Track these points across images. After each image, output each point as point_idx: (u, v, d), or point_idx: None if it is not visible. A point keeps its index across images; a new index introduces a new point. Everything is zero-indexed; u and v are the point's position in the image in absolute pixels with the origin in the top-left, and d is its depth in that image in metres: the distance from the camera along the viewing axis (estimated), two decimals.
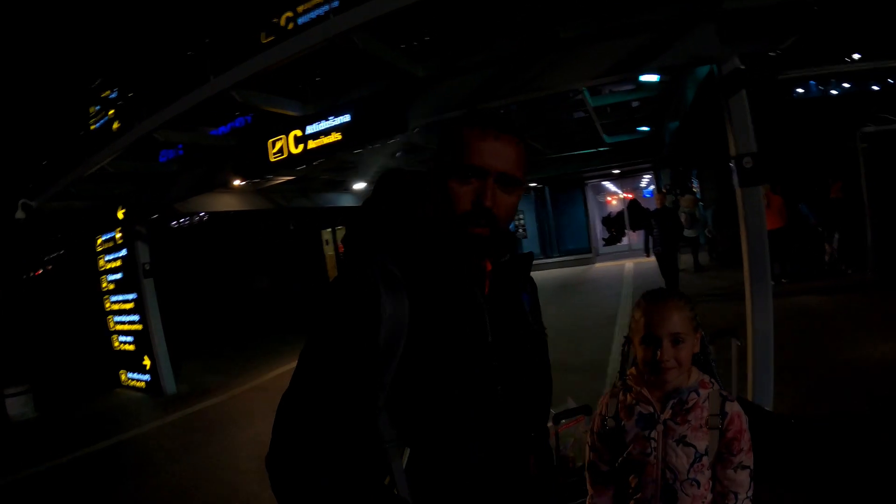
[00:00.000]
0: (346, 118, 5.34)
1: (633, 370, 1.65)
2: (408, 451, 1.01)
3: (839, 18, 4.18)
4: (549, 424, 2.58)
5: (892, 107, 8.96)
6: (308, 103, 6.05)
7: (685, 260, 12.44)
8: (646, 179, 18.30)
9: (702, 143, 11.55)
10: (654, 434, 1.51)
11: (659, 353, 1.48)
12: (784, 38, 4.29)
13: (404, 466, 1.01)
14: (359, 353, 0.97)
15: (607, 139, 11.02)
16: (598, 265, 16.17)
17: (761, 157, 4.11)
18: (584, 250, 17.56)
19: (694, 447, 1.48)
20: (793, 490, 3.08)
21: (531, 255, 1.27)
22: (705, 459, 1.49)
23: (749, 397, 4.06)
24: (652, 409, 1.53)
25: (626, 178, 18.17)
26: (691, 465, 1.48)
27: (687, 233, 11.86)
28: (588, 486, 1.67)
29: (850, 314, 6.68)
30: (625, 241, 18.14)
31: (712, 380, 1.57)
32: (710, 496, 1.51)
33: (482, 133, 1.07)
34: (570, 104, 8.86)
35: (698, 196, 14.03)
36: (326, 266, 20.25)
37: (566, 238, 18.27)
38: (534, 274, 1.29)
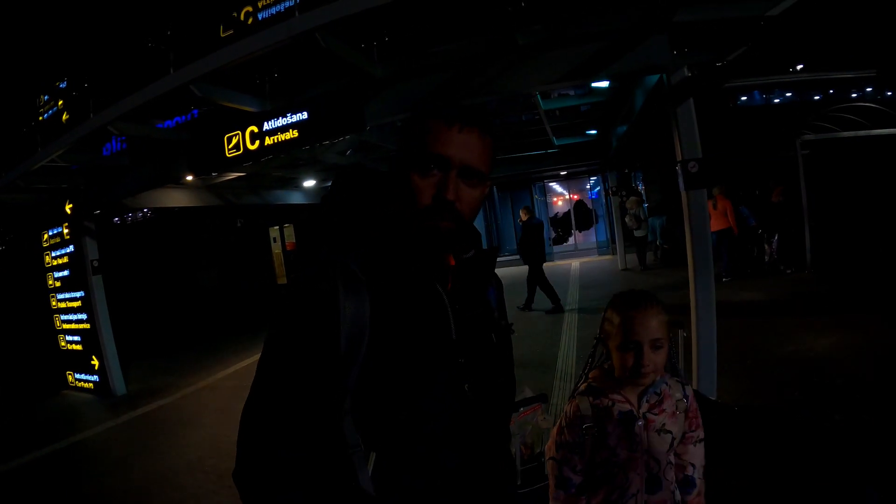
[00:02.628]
0: (304, 115, 5.32)
1: (595, 372, 1.68)
2: (373, 457, 0.97)
3: (785, 33, 4.42)
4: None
5: (832, 116, 9.47)
6: (265, 99, 5.99)
7: (630, 259, 12.90)
8: (592, 181, 18.75)
9: (648, 148, 11.97)
10: (637, 430, 1.55)
11: (643, 359, 1.50)
12: (732, 49, 4.53)
13: (370, 472, 0.96)
14: (320, 357, 0.94)
15: (556, 141, 11.23)
16: (544, 264, 16.49)
17: (706, 162, 4.32)
18: None
19: (671, 433, 1.58)
20: (736, 474, 3.28)
21: (496, 251, 1.24)
22: (675, 442, 1.60)
23: (694, 387, 4.28)
24: (629, 407, 1.57)
25: (573, 180, 18.55)
26: (669, 450, 1.59)
27: (636, 233, 12.32)
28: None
29: (788, 311, 7.07)
30: (571, 240, 18.60)
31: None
32: (678, 490, 1.65)
33: (447, 124, 1.03)
34: (521, 107, 9.01)
35: (643, 197, 14.53)
36: (274, 264, 19.97)
37: (514, 238, 18.51)
38: None
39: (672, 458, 1.61)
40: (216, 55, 4.70)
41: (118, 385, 7.79)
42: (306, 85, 5.95)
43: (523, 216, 9.69)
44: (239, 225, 20.33)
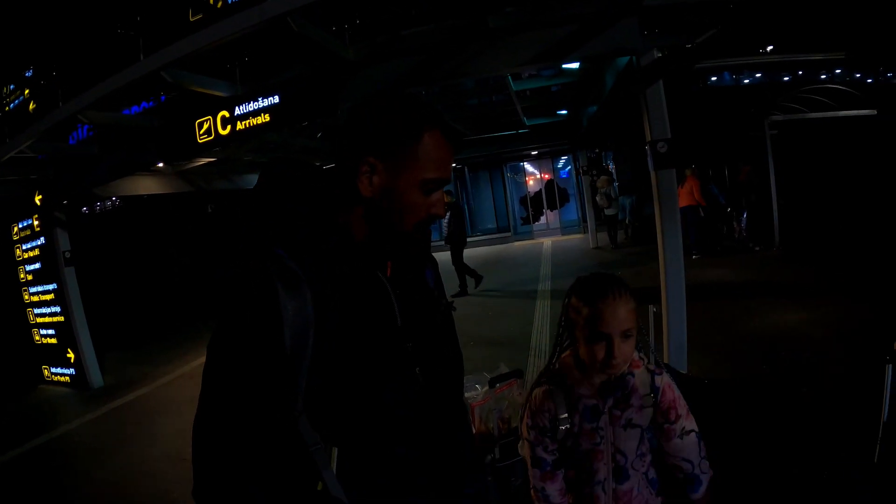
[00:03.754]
0: (275, 99, 5.27)
1: (562, 360, 1.62)
2: (336, 452, 0.95)
3: (754, 15, 4.50)
4: (485, 388, 2.74)
5: (800, 97, 9.66)
6: (236, 83, 5.92)
7: (601, 237, 13.14)
8: (563, 160, 18.99)
9: (618, 127, 12.16)
10: (601, 424, 1.51)
11: (613, 351, 1.42)
12: (701, 32, 4.62)
13: (335, 468, 0.94)
14: (267, 363, 0.91)
15: (527, 122, 11.33)
16: (516, 244, 16.86)
17: (675, 142, 4.42)
18: (503, 229, 18.32)
19: (640, 426, 1.52)
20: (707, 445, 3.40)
21: (429, 232, 1.18)
22: (645, 434, 1.54)
23: (665, 360, 4.42)
24: (595, 401, 1.52)
25: (544, 160, 18.73)
26: (639, 444, 1.54)
27: (607, 211, 12.55)
28: (534, 481, 1.63)
29: (757, 288, 7.29)
30: (542, 219, 18.88)
31: (641, 356, 1.58)
32: (651, 469, 1.59)
33: (449, 148, 1.06)
34: (492, 88, 9.05)
35: (614, 176, 14.78)
36: None
37: (485, 217, 18.95)
38: None
39: (642, 449, 1.55)
40: (187, 40, 4.61)
41: (95, 377, 7.70)
42: (278, 68, 5.89)
43: (446, 199, 9.74)
44: (210, 210, 19.96)
